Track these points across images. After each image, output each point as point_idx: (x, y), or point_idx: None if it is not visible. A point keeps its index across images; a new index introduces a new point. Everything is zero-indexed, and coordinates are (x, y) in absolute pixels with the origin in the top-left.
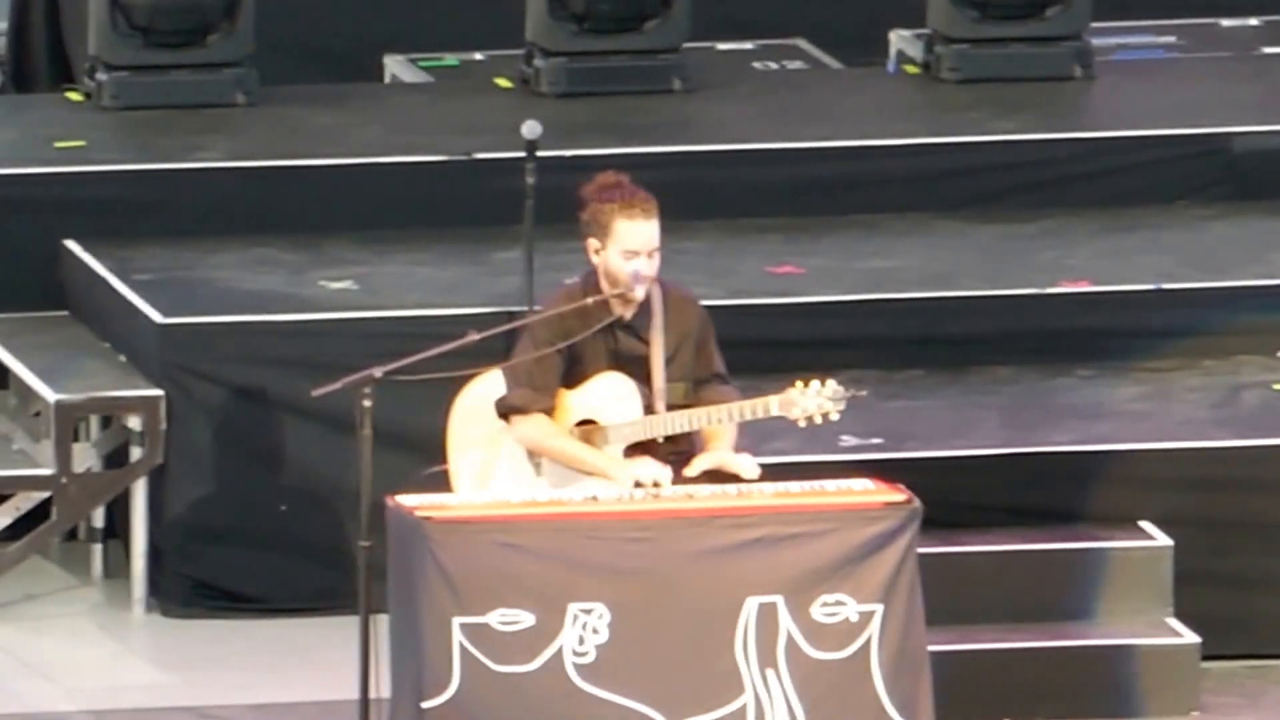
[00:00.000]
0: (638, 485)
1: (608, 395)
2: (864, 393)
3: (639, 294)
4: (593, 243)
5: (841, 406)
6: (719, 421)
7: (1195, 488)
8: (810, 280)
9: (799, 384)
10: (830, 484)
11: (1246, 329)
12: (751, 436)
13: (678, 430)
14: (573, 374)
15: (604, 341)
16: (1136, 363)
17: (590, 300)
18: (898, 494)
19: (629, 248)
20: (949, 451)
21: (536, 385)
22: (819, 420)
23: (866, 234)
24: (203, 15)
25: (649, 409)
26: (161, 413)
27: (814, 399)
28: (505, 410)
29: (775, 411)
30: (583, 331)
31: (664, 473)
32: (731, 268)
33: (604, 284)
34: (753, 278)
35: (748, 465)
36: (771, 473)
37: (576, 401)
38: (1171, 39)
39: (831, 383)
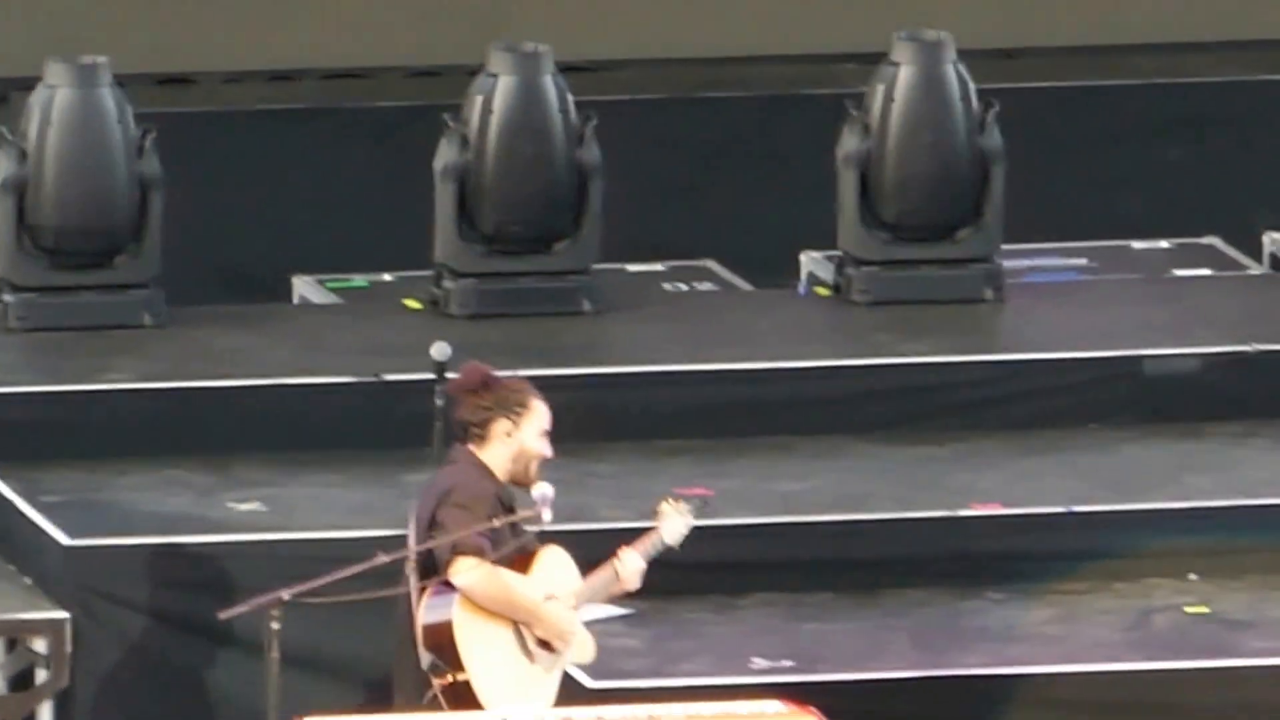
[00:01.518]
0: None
1: (554, 568)
2: (711, 493)
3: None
4: (505, 424)
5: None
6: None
7: (1107, 712)
8: (721, 502)
9: (664, 508)
10: (742, 706)
11: (1159, 552)
12: (658, 658)
13: (616, 586)
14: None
15: (509, 526)
16: (1048, 585)
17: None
18: (809, 716)
19: (545, 427)
20: (860, 675)
21: (488, 538)
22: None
23: (780, 457)
24: (110, 237)
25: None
26: (67, 635)
27: (681, 519)
28: (459, 549)
29: (669, 542)
30: (502, 515)
31: (572, 622)
32: (641, 489)
33: (507, 468)
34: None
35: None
36: (683, 695)
37: (538, 577)
38: (1083, 261)
39: (682, 502)
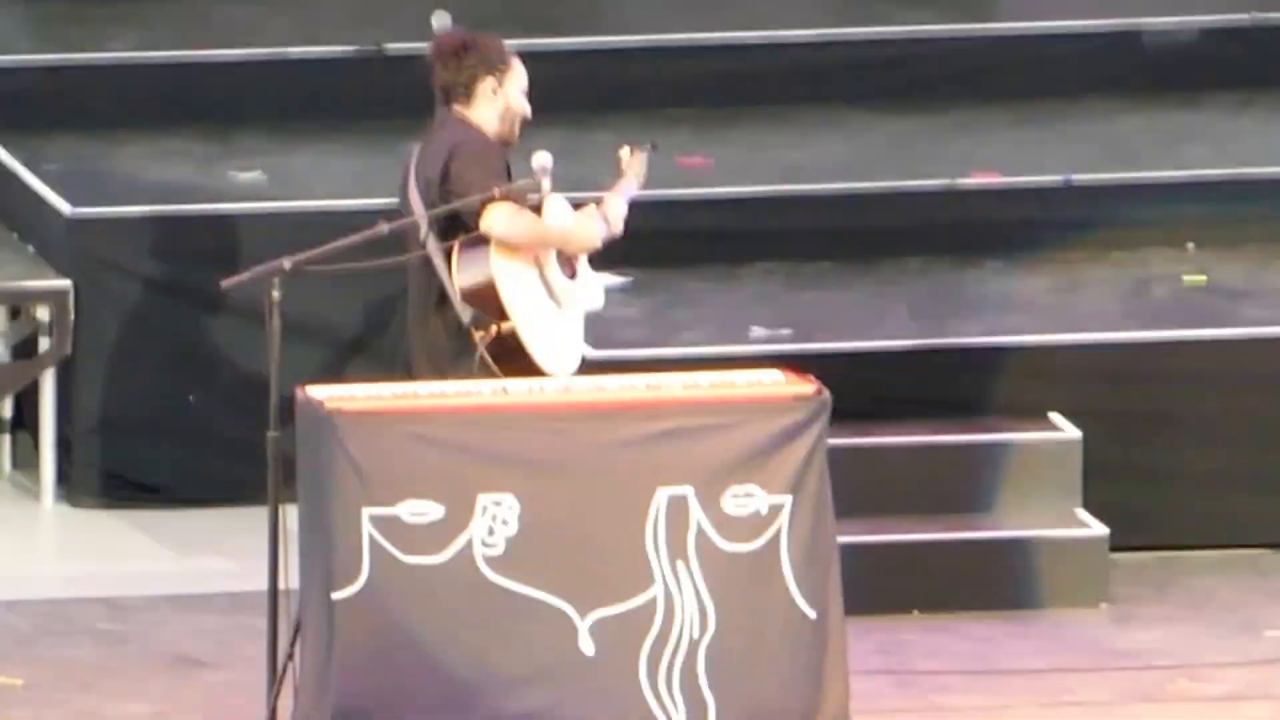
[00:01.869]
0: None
1: (560, 213)
2: (655, 145)
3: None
4: (490, 81)
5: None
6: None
7: (1104, 380)
8: (720, 172)
9: (623, 152)
10: (740, 376)
11: (1156, 221)
12: (657, 327)
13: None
14: None
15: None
16: (1046, 254)
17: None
18: (807, 386)
19: (524, 85)
20: (859, 344)
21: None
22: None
23: (780, 126)
24: None
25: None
26: (70, 304)
27: (642, 156)
28: (498, 198)
29: (639, 184)
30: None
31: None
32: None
33: (495, 126)
34: (662, 169)
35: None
36: (681, 365)
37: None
38: None
39: (632, 149)
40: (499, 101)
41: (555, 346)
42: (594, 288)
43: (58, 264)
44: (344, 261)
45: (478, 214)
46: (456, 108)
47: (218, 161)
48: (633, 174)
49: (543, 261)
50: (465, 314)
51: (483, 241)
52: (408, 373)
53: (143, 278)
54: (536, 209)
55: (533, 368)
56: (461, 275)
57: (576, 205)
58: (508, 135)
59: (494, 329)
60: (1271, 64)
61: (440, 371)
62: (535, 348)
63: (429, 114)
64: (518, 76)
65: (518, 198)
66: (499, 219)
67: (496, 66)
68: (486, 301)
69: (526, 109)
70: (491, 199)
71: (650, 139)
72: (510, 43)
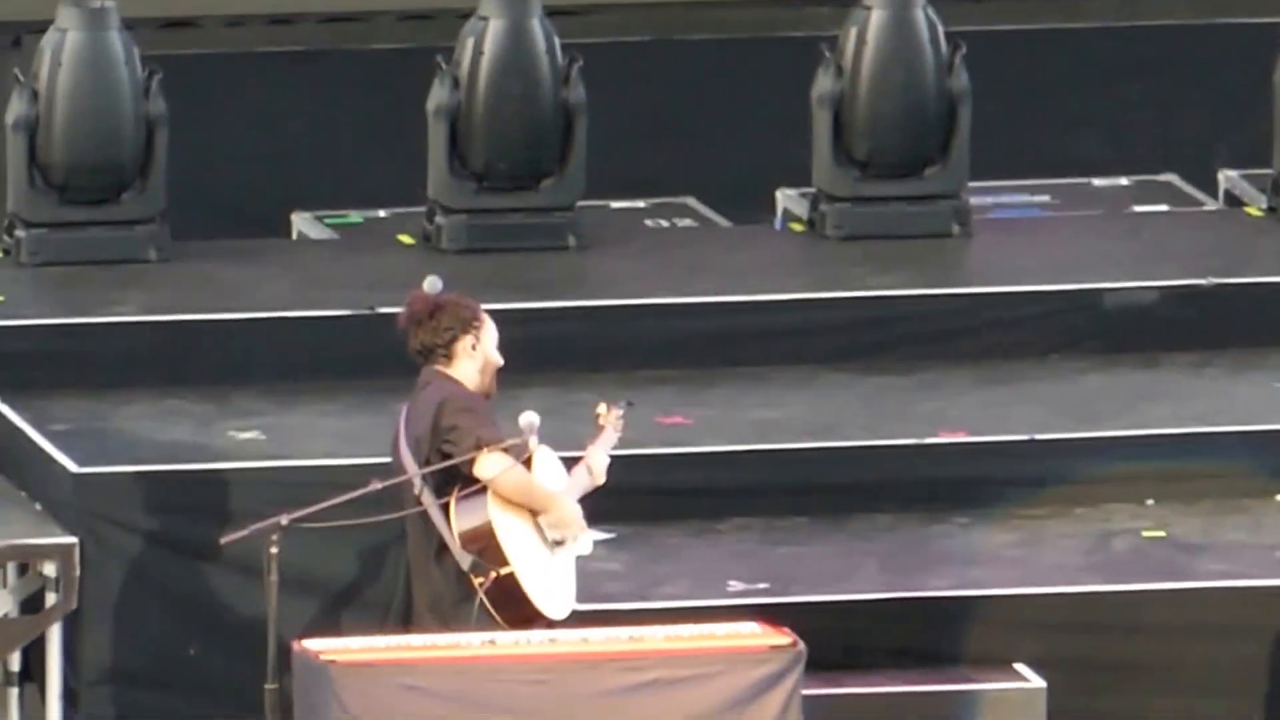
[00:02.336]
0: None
1: (549, 466)
2: (630, 403)
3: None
4: (468, 339)
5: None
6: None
7: (1068, 631)
8: (698, 430)
9: (600, 410)
10: (719, 628)
11: (1117, 477)
12: (638, 581)
13: (589, 481)
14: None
15: None
16: (1011, 510)
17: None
18: (783, 637)
19: (496, 338)
20: (832, 596)
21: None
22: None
23: (755, 386)
24: (118, 174)
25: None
26: (76, 559)
27: (615, 419)
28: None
29: (614, 440)
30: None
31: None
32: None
33: (476, 380)
34: (643, 428)
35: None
36: (662, 617)
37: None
38: (1046, 198)
39: (609, 406)
40: (478, 357)
41: (552, 589)
42: (585, 533)
43: (65, 520)
44: (339, 518)
45: (471, 462)
46: (438, 367)
47: (217, 421)
48: (610, 428)
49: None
50: (465, 561)
51: (480, 490)
52: (404, 622)
53: (145, 532)
54: (526, 462)
55: (531, 611)
56: (460, 521)
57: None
58: (488, 388)
59: (493, 574)
60: (1227, 326)
61: (443, 618)
62: (534, 591)
63: (417, 373)
64: (490, 329)
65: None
66: (492, 466)
67: (471, 324)
68: (486, 546)
69: (500, 360)
70: (480, 447)
71: (626, 398)
72: (500, 306)
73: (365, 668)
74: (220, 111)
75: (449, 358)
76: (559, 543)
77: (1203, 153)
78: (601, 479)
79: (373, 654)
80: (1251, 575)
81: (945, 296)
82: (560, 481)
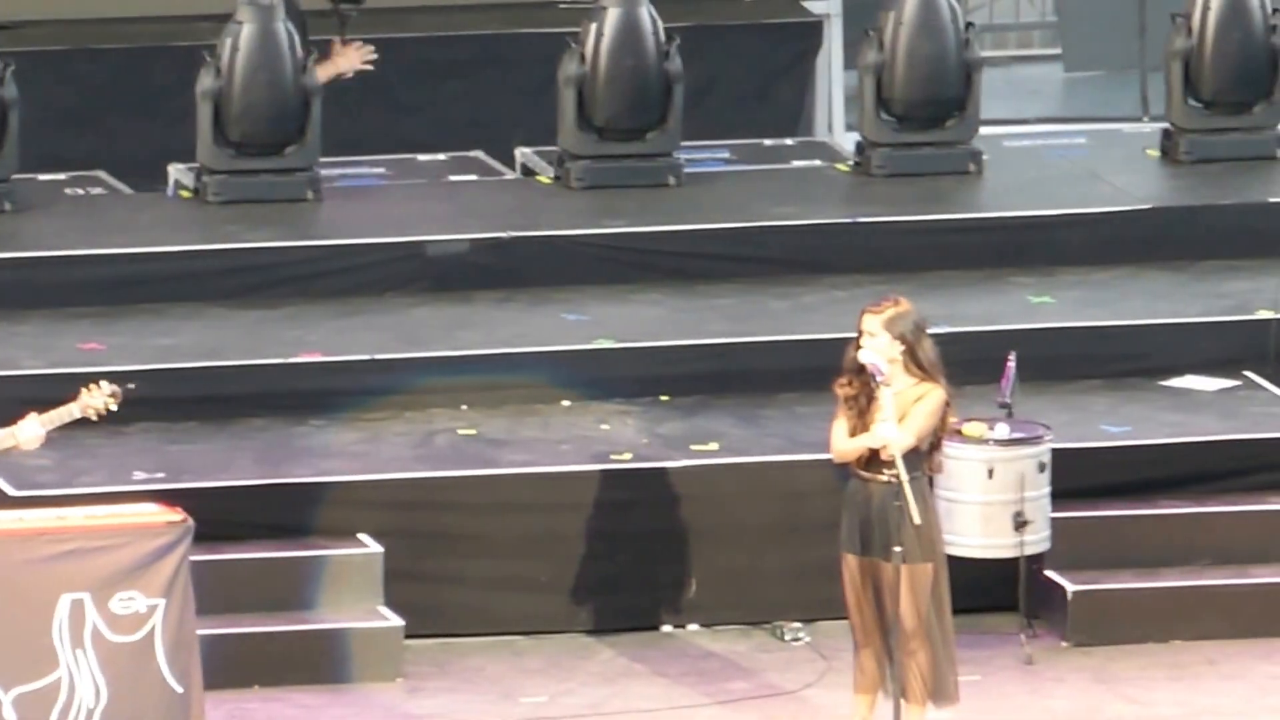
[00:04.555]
0: None
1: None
2: (131, 386)
3: None
4: None
5: (116, 403)
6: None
7: (400, 509)
8: (110, 354)
9: (84, 390)
10: (126, 508)
11: (439, 389)
12: (63, 473)
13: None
14: None
15: None
16: (356, 414)
17: None
18: (176, 515)
19: None
20: (216, 483)
21: None
22: (105, 412)
23: (156, 318)
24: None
25: None
26: None
27: (99, 397)
28: None
29: (77, 415)
30: None
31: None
32: (52, 344)
33: None
34: (67, 353)
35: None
36: (82, 501)
37: None
38: (381, 170)
39: (105, 383)
40: None
41: None
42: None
43: None
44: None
45: None
46: None
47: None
48: (77, 406)
49: None
50: None
51: None
52: None
53: None
54: None
55: None
56: None
57: None
58: None
59: None
60: (520, 268)
61: None
62: None
63: None
64: None
65: None
66: None
67: None
68: None
69: None
70: None
71: (124, 384)
72: None
73: None
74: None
75: None
76: None
77: (504, 134)
78: (29, 446)
79: None
80: (543, 464)
81: (305, 248)
82: None
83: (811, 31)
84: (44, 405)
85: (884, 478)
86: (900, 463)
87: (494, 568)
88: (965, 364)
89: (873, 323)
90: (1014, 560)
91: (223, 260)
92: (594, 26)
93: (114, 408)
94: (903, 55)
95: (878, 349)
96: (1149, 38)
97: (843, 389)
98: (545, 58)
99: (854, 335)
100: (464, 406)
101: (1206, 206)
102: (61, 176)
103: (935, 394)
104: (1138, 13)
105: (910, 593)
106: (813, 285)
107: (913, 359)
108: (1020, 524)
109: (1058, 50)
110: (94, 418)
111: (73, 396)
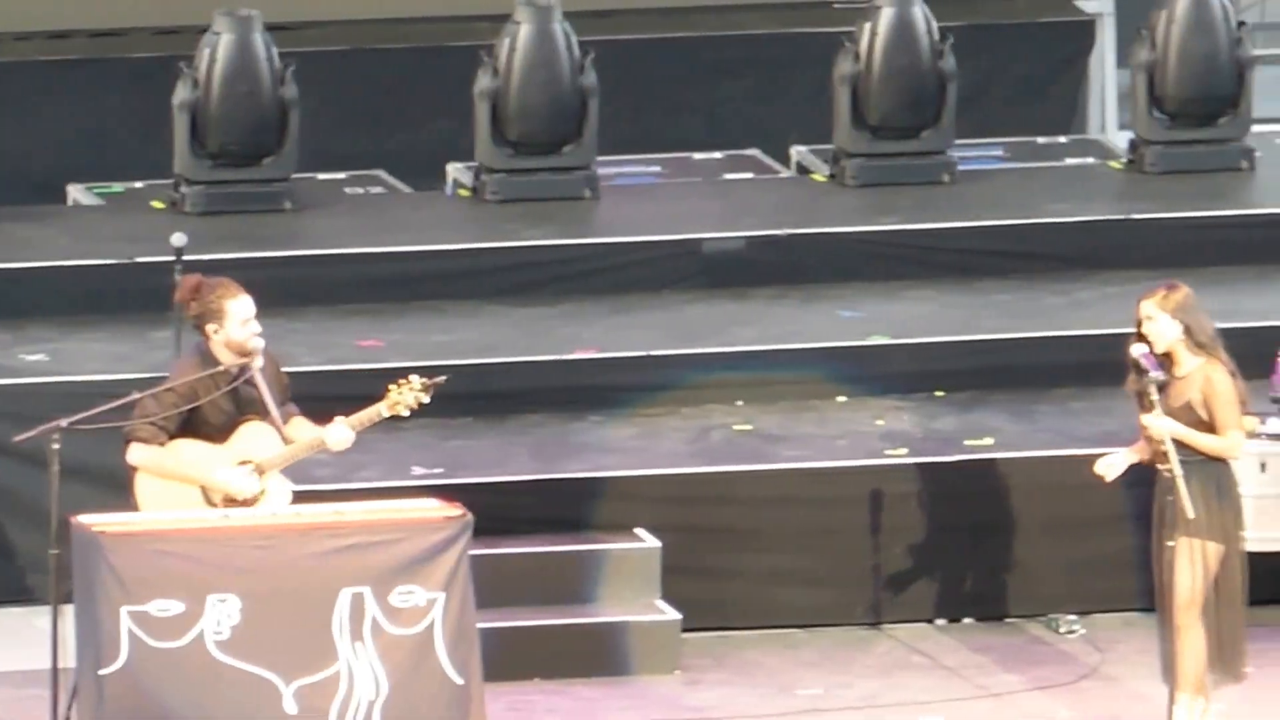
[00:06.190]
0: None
1: (252, 439)
2: (442, 379)
3: (259, 344)
4: (210, 328)
5: (430, 394)
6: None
7: (678, 504)
8: (389, 350)
9: (392, 387)
10: (405, 503)
11: (714, 385)
12: (342, 467)
13: (321, 448)
14: (198, 425)
15: (227, 396)
16: (633, 410)
17: (227, 367)
18: (455, 510)
19: (243, 318)
20: (493, 478)
21: (160, 426)
22: (416, 407)
23: (433, 316)
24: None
25: (285, 440)
26: None
27: (410, 394)
28: (130, 436)
29: (386, 414)
30: (210, 394)
31: (249, 483)
32: (329, 341)
33: (224, 355)
34: (345, 350)
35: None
36: (360, 495)
37: (235, 449)
38: (658, 168)
39: (415, 378)
40: (222, 337)
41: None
42: (275, 497)
43: None
44: (107, 421)
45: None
46: (200, 337)
47: (12, 346)
48: (386, 404)
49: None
50: None
51: None
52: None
53: None
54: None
55: None
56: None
57: None
58: (240, 353)
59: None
60: (799, 266)
61: None
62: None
63: (168, 309)
64: (233, 316)
65: (199, 420)
66: (130, 454)
67: (214, 316)
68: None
69: (245, 336)
70: (128, 438)
71: (434, 379)
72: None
73: (128, 537)
74: (9, 107)
75: (203, 334)
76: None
77: (779, 134)
78: (338, 449)
79: (133, 526)
80: (819, 459)
81: (582, 245)
82: (264, 450)
83: (1084, 30)
84: (321, 401)
85: (1163, 469)
86: (1174, 455)
87: (770, 562)
88: (1237, 359)
89: (1149, 307)
90: None
91: (500, 258)
92: (868, 26)
93: (426, 400)
94: (1175, 53)
95: (1158, 333)
96: None
97: (1130, 386)
98: (820, 57)
99: (1130, 331)
100: (739, 402)
101: None
102: (341, 175)
103: (1222, 381)
104: None
105: (1190, 567)
106: (1086, 281)
107: (1191, 337)
108: None
109: None
110: (405, 414)
111: (380, 396)
